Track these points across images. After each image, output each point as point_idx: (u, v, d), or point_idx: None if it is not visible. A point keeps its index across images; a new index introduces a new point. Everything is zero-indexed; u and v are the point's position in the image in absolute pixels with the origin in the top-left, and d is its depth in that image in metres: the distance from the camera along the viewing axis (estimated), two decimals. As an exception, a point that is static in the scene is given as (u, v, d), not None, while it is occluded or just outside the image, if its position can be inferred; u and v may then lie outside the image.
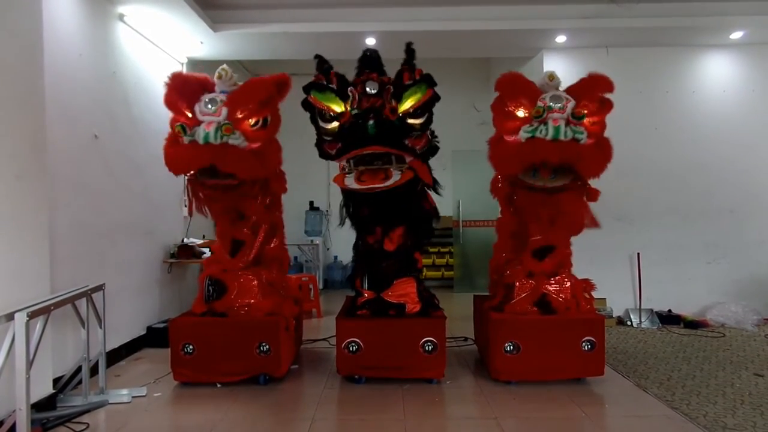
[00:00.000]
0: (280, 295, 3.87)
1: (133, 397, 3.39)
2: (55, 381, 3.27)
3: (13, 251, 2.86)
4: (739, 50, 5.82)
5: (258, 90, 3.40)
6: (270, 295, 3.74)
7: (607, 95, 3.46)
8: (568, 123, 3.36)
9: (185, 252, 5.17)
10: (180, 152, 3.36)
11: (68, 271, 3.56)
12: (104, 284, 3.43)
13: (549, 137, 3.34)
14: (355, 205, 3.79)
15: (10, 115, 2.88)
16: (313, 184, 8.43)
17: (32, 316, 2.59)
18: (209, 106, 3.32)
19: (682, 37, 5.60)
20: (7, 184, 2.84)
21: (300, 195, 7.83)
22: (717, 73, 5.88)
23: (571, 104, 3.39)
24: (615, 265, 5.74)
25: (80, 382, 3.30)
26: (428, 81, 3.46)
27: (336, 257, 8.44)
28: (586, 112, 3.41)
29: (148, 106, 4.91)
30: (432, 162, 3.94)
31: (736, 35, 5.53)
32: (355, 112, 3.43)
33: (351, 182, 3.55)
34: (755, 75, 5.85)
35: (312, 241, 7.94)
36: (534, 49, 5.84)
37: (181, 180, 5.57)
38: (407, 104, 3.43)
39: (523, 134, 3.42)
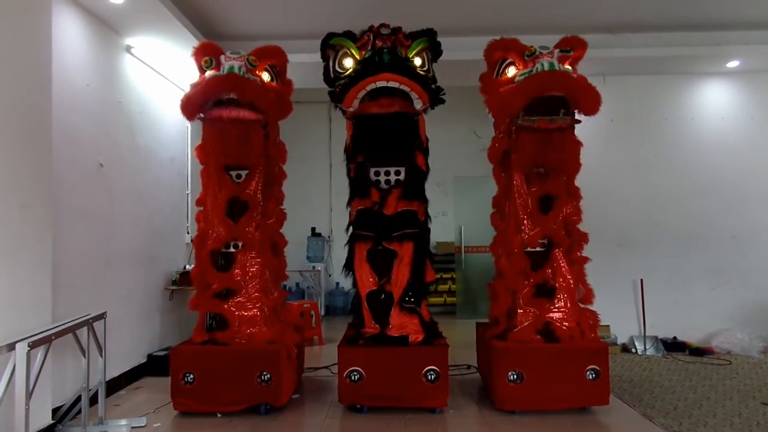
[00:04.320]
0: (281, 323, 3.86)
1: (132, 427, 3.36)
2: (54, 411, 3.23)
3: (15, 280, 2.86)
4: (735, 78, 5.89)
5: (273, 51, 3.86)
6: (272, 324, 3.72)
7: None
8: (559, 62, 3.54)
9: (187, 279, 5.13)
10: (199, 86, 3.60)
11: (70, 299, 3.56)
12: (105, 312, 3.41)
13: (547, 69, 3.47)
14: (364, 135, 3.79)
15: (18, 145, 2.92)
16: (315, 210, 8.47)
17: (33, 346, 2.58)
18: (232, 54, 3.65)
19: (679, 66, 5.68)
20: (12, 213, 2.86)
21: (302, 221, 7.87)
22: (715, 100, 5.94)
23: (557, 50, 3.61)
24: (618, 292, 5.70)
25: (79, 411, 3.26)
26: (430, 34, 3.82)
27: (338, 283, 8.40)
28: (574, 47, 3.65)
29: (152, 134, 4.98)
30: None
31: (732, 64, 5.61)
32: (369, 53, 3.66)
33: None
34: (753, 102, 5.90)
35: (314, 267, 7.92)
36: (533, 77, 5.91)
37: (184, 207, 5.63)
38: (414, 51, 3.74)
39: (519, 78, 3.59)
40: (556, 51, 3.61)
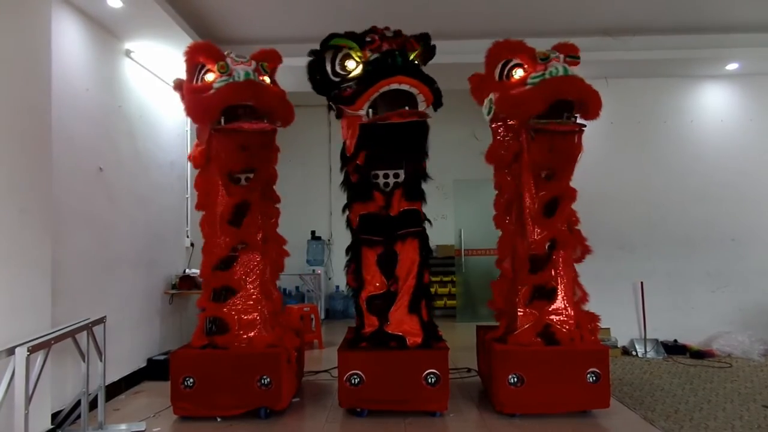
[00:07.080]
0: (281, 327, 3.85)
1: (132, 432, 3.35)
2: (54, 415, 3.22)
3: (15, 284, 2.85)
4: (735, 81, 5.90)
5: (270, 54, 3.83)
6: (271, 328, 3.72)
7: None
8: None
9: (186, 283, 5.16)
10: (216, 93, 3.43)
11: (69, 304, 3.55)
12: (105, 317, 3.41)
13: (561, 74, 3.46)
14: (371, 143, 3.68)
15: (17, 149, 2.92)
16: (314, 214, 8.47)
17: (33, 350, 2.57)
18: (238, 58, 3.53)
19: (679, 69, 5.69)
20: (11, 218, 2.86)
21: (302, 224, 7.87)
22: (714, 103, 5.95)
23: (563, 55, 3.59)
24: (618, 294, 5.70)
25: (79, 416, 3.25)
26: (425, 39, 3.80)
27: (338, 287, 8.40)
28: (578, 54, 3.65)
29: (152, 138, 4.99)
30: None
31: (732, 67, 5.62)
32: (375, 56, 3.58)
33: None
34: (752, 105, 5.91)
35: (314, 270, 7.91)
36: (533, 80, 5.92)
37: (184, 211, 5.63)
38: (414, 54, 3.72)
39: (531, 81, 3.54)
40: (562, 56, 3.58)
